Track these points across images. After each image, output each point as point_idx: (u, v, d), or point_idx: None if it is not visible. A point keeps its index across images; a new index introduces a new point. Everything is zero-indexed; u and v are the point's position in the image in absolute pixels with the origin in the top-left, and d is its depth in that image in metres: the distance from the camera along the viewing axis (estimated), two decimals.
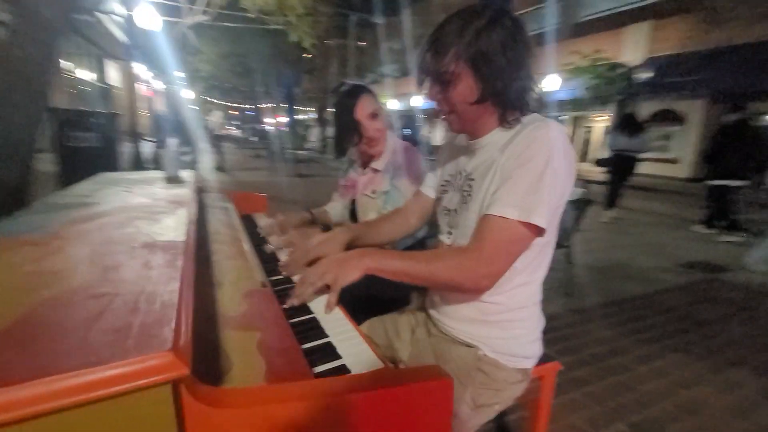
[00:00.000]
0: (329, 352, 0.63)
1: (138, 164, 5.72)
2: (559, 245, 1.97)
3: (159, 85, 13.09)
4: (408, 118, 15.09)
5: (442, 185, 0.97)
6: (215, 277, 0.73)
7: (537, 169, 0.72)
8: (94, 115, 4.47)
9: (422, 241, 1.48)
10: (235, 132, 23.89)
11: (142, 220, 0.81)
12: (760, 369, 1.93)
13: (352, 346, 0.67)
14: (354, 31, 16.05)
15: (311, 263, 0.89)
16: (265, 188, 3.59)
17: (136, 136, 5.85)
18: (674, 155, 10.33)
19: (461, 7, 0.77)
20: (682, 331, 2.31)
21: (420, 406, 0.45)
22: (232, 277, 0.76)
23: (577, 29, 10.96)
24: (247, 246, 0.99)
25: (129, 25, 5.99)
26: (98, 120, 4.40)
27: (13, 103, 2.40)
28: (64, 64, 9.30)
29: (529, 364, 0.89)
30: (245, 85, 18.81)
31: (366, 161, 1.48)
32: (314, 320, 0.74)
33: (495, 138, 0.82)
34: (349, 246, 1.02)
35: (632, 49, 10.39)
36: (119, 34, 10.93)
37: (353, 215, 1.49)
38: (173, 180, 1.51)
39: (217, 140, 9.81)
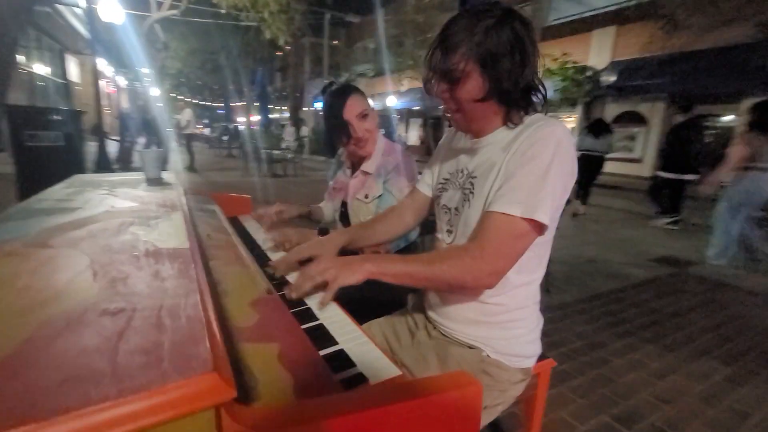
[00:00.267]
0: (343, 359, 0.62)
1: (105, 164, 5.44)
2: None
3: (123, 81, 12.51)
4: (383, 118, 15.11)
5: (441, 183, 0.97)
6: (220, 285, 0.70)
7: (541, 166, 0.73)
8: (55, 112, 4.21)
9: (415, 243, 1.48)
10: (205, 131, 23.16)
11: (137, 226, 0.76)
12: (725, 357, 2.06)
13: (365, 353, 0.66)
14: (328, 29, 15.90)
15: (304, 263, 0.88)
16: (240, 189, 3.49)
17: (101, 135, 5.56)
18: (638, 155, 10.84)
19: (470, 6, 0.77)
20: (653, 324, 2.43)
21: (453, 414, 0.44)
22: (235, 285, 0.74)
23: (547, 33, 11.32)
24: (243, 251, 0.95)
25: (91, 18, 5.68)
26: (59, 118, 4.16)
27: None
28: (19, 58, 8.72)
29: (530, 363, 0.91)
30: (216, 83, 18.30)
31: (355, 163, 1.47)
32: (322, 327, 0.73)
33: (499, 137, 0.83)
34: (345, 249, 1.01)
35: (598, 53, 10.83)
36: (81, 28, 10.36)
37: (345, 218, 1.47)
38: (155, 182, 1.44)
39: (187, 139, 9.47)
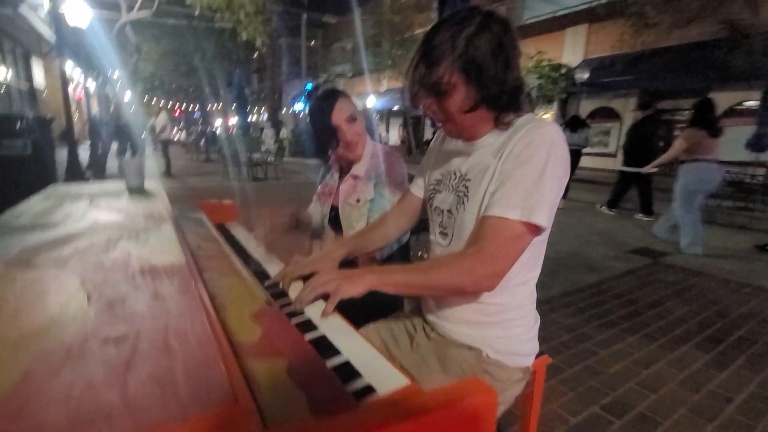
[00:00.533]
0: (349, 370, 0.61)
1: (76, 173, 5.24)
2: None
3: (92, 86, 12.06)
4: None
5: (433, 185, 0.97)
6: (217, 298, 0.68)
7: (537, 168, 0.74)
8: (21, 119, 4.02)
9: (407, 246, 1.48)
10: (181, 135, 22.56)
11: (126, 240, 0.73)
12: (704, 344, 2.15)
13: (368, 361, 0.65)
14: (305, 30, 15.75)
15: (306, 278, 0.87)
16: (221, 193, 3.41)
17: (71, 143, 5.35)
18: (612, 149, 11.18)
19: (449, 14, 0.77)
20: (635, 314, 2.50)
21: (469, 423, 0.44)
22: (233, 297, 0.72)
23: (522, 31, 11.49)
24: (236, 260, 0.93)
25: (57, 21, 5.45)
26: (26, 125, 3.97)
27: None
28: None
29: (529, 361, 0.92)
30: (192, 86, 17.88)
31: (344, 166, 1.45)
32: (324, 337, 0.72)
33: (491, 140, 0.84)
34: (345, 261, 1.00)
35: (572, 50, 11.12)
36: (46, 31, 9.93)
37: (335, 223, 1.46)
38: (137, 191, 1.39)
39: (163, 144, 9.21)
